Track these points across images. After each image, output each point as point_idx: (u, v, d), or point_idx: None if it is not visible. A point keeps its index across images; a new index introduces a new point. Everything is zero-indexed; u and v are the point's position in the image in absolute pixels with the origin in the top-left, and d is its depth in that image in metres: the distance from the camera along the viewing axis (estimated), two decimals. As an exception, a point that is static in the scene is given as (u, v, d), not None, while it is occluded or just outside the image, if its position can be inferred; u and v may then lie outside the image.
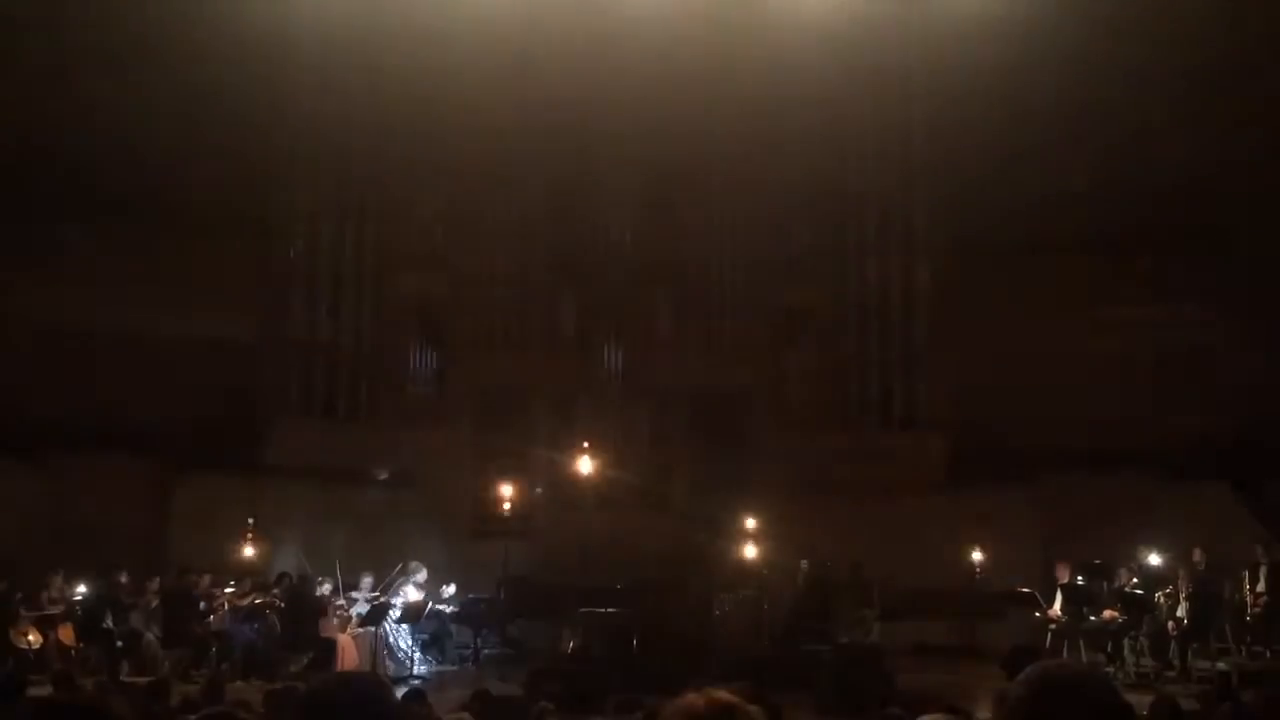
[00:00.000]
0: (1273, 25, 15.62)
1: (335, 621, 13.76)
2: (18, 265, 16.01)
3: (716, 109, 17.54)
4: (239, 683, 12.42)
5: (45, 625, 13.48)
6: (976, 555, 15.38)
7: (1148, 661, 13.43)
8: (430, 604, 14.47)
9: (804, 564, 15.68)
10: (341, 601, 14.05)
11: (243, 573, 14.55)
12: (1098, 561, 14.27)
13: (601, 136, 17.78)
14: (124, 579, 14.14)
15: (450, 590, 14.91)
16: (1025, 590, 14.26)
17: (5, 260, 15.94)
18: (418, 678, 13.57)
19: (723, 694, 2.62)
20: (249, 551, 15.05)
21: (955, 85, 16.79)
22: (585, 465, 15.81)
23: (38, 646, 13.23)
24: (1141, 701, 7.11)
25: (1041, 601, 14.07)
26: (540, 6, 16.65)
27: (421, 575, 14.65)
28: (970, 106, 16.74)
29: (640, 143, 17.68)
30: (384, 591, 14.31)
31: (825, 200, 18.05)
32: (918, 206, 17.87)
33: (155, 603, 14.14)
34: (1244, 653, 13.36)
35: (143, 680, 10.64)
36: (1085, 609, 13.76)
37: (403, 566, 14.59)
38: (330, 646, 13.41)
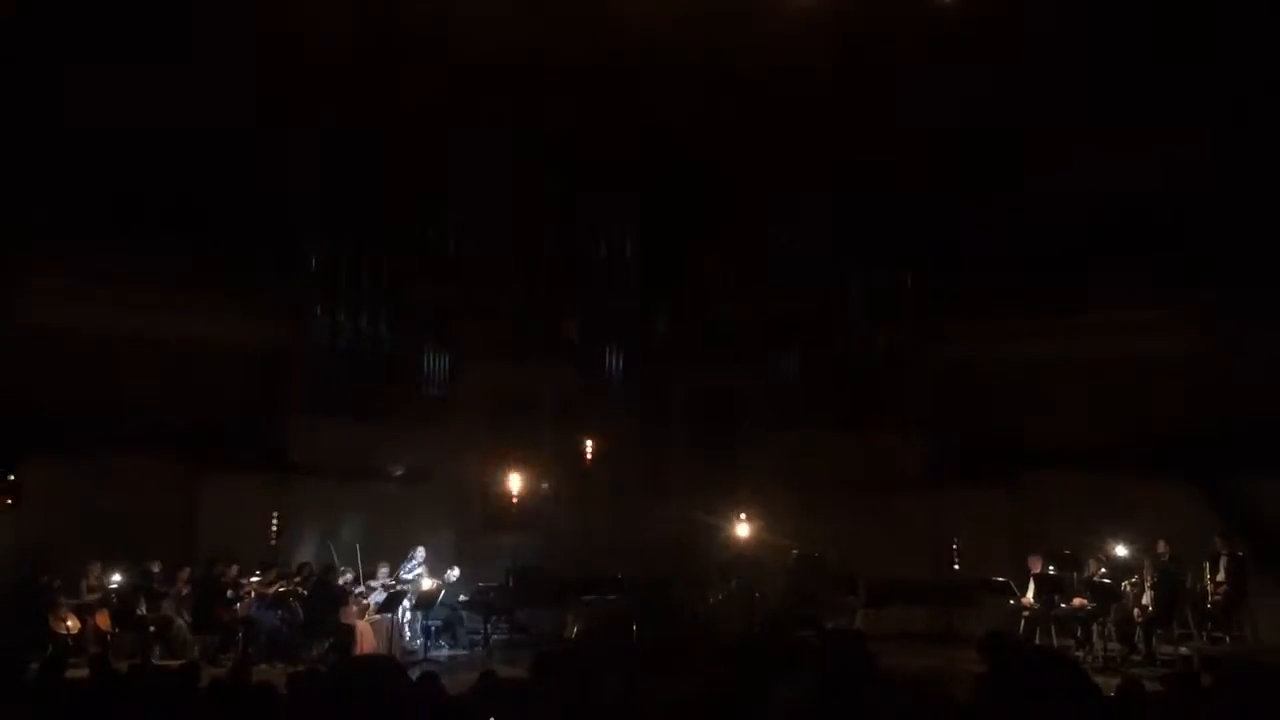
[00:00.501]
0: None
1: (354, 609, 13.76)
2: (62, 277, 16.01)
3: (713, 123, 17.61)
4: (264, 666, 12.46)
5: (83, 612, 13.51)
6: (955, 547, 15.39)
7: (1115, 646, 13.41)
8: (443, 591, 14.49)
9: (793, 554, 15.68)
10: (360, 589, 14.07)
11: (268, 563, 14.56)
12: (1068, 552, 14.29)
13: (602, 153, 17.83)
14: (157, 569, 14.15)
15: (454, 573, 14.89)
16: (1000, 580, 14.26)
17: (51, 273, 15.95)
18: (431, 661, 13.57)
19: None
20: (274, 543, 15.08)
21: (938, 95, 16.86)
22: (588, 462, 15.80)
23: (76, 632, 13.26)
24: (1108, 684, 7.12)
25: (1015, 590, 14.07)
26: (547, 25, 16.61)
27: (420, 554, 14.71)
28: (952, 117, 16.82)
29: (639, 158, 17.77)
30: (395, 579, 14.39)
31: (815, 210, 18.02)
32: (902, 217, 17.85)
33: (186, 591, 14.15)
34: (1205, 638, 13.36)
35: (174, 663, 10.66)
36: (1056, 597, 13.77)
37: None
38: (349, 632, 13.41)
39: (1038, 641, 13.15)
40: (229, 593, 14.06)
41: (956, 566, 15.30)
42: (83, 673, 8.44)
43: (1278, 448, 14.45)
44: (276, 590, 13.91)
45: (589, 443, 15.72)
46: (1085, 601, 13.59)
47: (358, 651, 13.02)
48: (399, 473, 17.26)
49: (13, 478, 14.02)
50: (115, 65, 15.93)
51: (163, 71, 16.05)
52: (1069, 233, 16.96)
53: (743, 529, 15.90)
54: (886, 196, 17.73)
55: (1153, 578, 13.39)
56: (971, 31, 15.89)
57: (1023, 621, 13.68)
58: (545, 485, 17.38)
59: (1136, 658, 13.15)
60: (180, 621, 13.85)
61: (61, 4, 15.38)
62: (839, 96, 17.37)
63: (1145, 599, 13.35)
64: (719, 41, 16.80)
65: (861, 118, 17.49)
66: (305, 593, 13.93)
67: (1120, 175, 16.82)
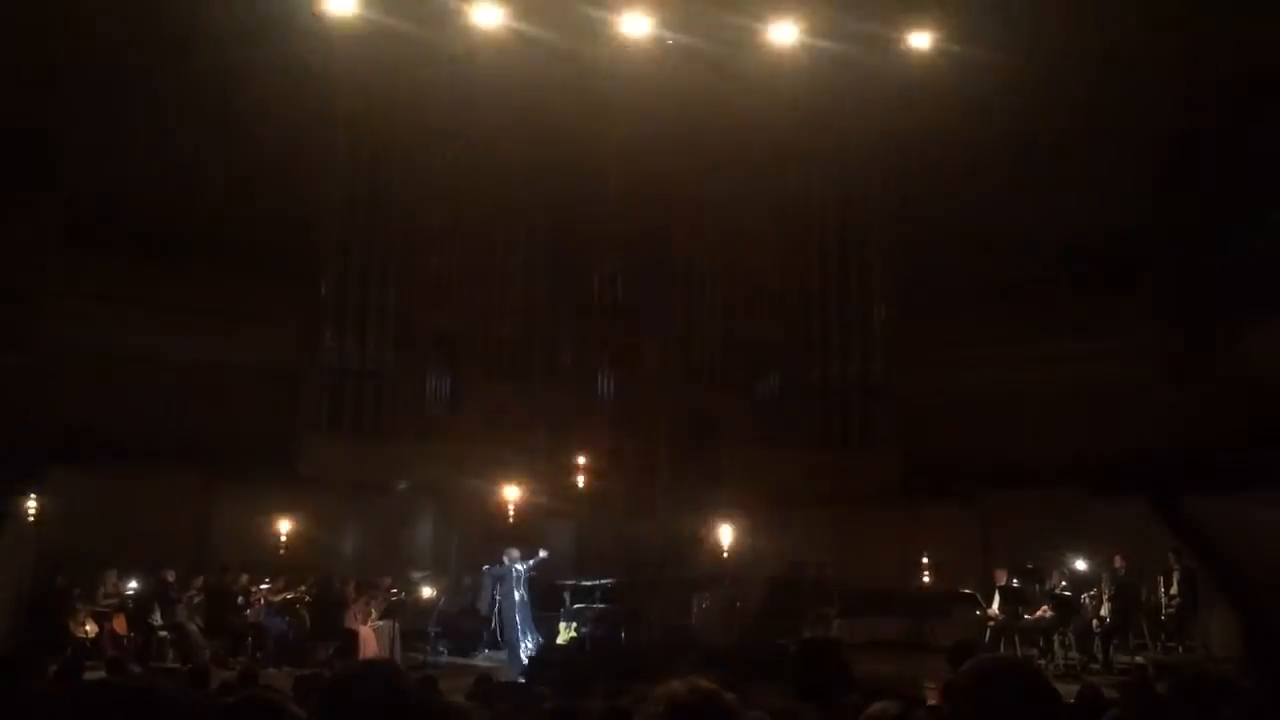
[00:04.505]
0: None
1: (358, 615, 13.65)
2: (88, 300, 15.96)
3: (697, 172, 17.69)
4: (271, 669, 12.33)
5: (101, 617, 13.38)
6: (925, 560, 15.35)
7: (1075, 655, 13.39)
8: (442, 599, 14.37)
9: (772, 566, 15.62)
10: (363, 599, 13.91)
11: (277, 571, 14.45)
12: (1031, 566, 14.27)
13: (597, 193, 17.87)
14: (171, 576, 14.03)
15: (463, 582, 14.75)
16: (967, 591, 14.23)
17: (77, 296, 15.89)
18: (431, 665, 13.45)
19: (703, 682, 2.60)
20: (283, 553, 14.96)
21: (906, 147, 16.94)
22: (580, 478, 15.75)
23: (94, 636, 13.13)
24: (1068, 691, 7.06)
25: (981, 601, 14.04)
26: (544, 72, 16.64)
27: (514, 553, 14.54)
28: (921, 166, 16.90)
29: (631, 199, 17.82)
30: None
31: (793, 248, 18.07)
32: (872, 254, 17.92)
33: (199, 598, 14.03)
34: (1159, 648, 13.36)
35: (186, 667, 10.56)
36: (1020, 608, 13.76)
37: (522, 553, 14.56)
38: (353, 637, 13.30)
39: (1003, 650, 13.10)
40: (239, 599, 13.96)
41: (927, 579, 15.25)
42: (99, 675, 8.33)
43: (1224, 468, 14.50)
44: (284, 597, 13.82)
45: (582, 460, 15.65)
46: (1047, 612, 13.57)
47: (361, 656, 12.89)
48: (402, 487, 17.17)
49: (37, 489, 13.89)
50: (137, 105, 15.98)
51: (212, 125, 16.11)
52: (1029, 271, 17.10)
53: (724, 541, 15.84)
54: (860, 234, 17.83)
55: (1110, 591, 13.39)
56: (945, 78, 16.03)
57: (989, 631, 13.65)
58: (541, 500, 17.31)
59: (1095, 666, 13.10)
60: (193, 626, 13.72)
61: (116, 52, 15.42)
62: (802, 156, 17.56)
63: (1103, 610, 13.34)
64: (700, 94, 16.89)
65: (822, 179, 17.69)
66: (311, 600, 13.83)
67: (1074, 219, 16.98)
